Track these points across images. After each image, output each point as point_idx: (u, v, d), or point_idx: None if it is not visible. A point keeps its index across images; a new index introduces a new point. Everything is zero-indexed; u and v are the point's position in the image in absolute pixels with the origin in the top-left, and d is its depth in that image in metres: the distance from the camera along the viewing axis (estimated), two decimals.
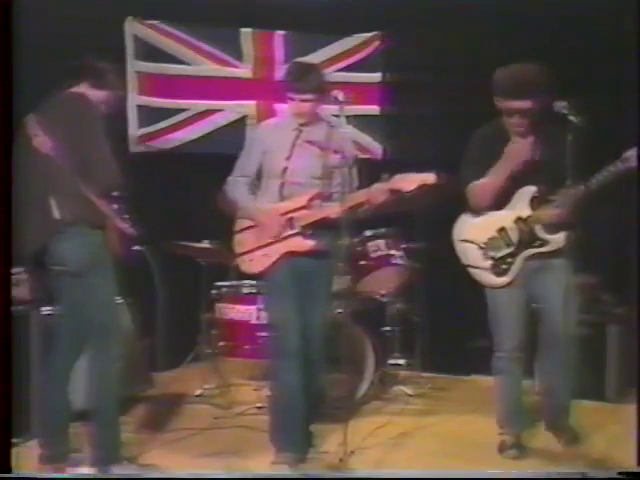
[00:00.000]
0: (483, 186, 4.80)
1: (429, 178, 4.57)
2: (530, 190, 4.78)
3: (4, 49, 4.09)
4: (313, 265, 4.79)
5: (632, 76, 4.93)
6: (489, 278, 4.89)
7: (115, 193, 4.41)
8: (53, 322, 4.87)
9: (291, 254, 4.78)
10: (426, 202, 5.73)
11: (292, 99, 4.77)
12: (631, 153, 4.49)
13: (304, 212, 4.75)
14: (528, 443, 5.06)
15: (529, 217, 4.79)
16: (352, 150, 4.92)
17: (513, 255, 4.84)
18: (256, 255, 4.84)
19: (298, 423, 4.75)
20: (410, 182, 4.57)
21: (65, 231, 4.34)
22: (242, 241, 4.90)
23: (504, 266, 4.85)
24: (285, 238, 4.78)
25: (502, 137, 4.82)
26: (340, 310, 5.79)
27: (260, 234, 4.80)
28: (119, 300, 5.51)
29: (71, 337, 4.55)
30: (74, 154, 4.29)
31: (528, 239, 4.81)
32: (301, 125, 4.80)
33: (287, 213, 4.77)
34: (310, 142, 4.80)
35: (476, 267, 4.91)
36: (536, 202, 4.78)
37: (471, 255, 4.92)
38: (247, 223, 4.88)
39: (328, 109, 4.86)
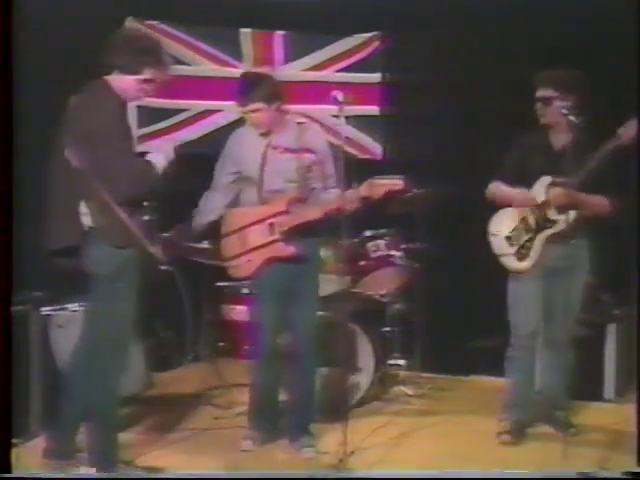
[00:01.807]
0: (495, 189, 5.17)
1: (396, 184, 4.61)
2: (546, 179, 5.03)
3: (4, 49, 4.08)
4: (297, 269, 4.83)
5: (632, 76, 4.94)
6: (514, 263, 5.15)
7: (145, 203, 4.35)
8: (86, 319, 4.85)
9: (273, 260, 4.84)
10: (425, 203, 5.78)
11: (243, 112, 4.85)
12: (623, 130, 4.73)
13: (283, 217, 4.79)
14: (528, 432, 5.20)
15: (543, 202, 5.04)
16: (326, 146, 4.92)
17: (531, 240, 5.10)
18: (241, 260, 4.91)
19: (268, 413, 5.05)
20: (378, 189, 4.61)
21: (97, 238, 4.32)
22: (228, 246, 4.97)
23: (524, 251, 5.12)
24: (266, 244, 4.83)
25: (539, 141, 5.11)
26: (340, 310, 5.80)
27: (243, 239, 4.88)
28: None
29: (94, 338, 4.52)
30: (98, 161, 4.22)
31: (542, 222, 5.07)
32: (263, 134, 4.85)
33: (267, 219, 4.82)
34: (280, 148, 4.85)
35: (502, 255, 5.16)
36: (551, 189, 5.02)
37: (499, 245, 5.17)
38: (231, 227, 4.94)
39: (324, 109, 4.87)
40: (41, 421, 5.00)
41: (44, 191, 4.37)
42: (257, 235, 4.85)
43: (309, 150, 4.83)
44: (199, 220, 5.03)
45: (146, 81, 4.39)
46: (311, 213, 4.76)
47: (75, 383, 4.53)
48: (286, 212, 4.80)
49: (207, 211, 5.00)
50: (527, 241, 5.10)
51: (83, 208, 4.31)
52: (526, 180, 5.09)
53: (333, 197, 4.73)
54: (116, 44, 4.39)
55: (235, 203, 5.00)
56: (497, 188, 5.15)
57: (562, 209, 4.99)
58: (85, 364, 4.51)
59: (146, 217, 4.35)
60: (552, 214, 5.04)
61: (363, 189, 4.63)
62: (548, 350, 5.27)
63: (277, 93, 4.83)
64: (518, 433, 5.18)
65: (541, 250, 5.08)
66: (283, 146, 4.85)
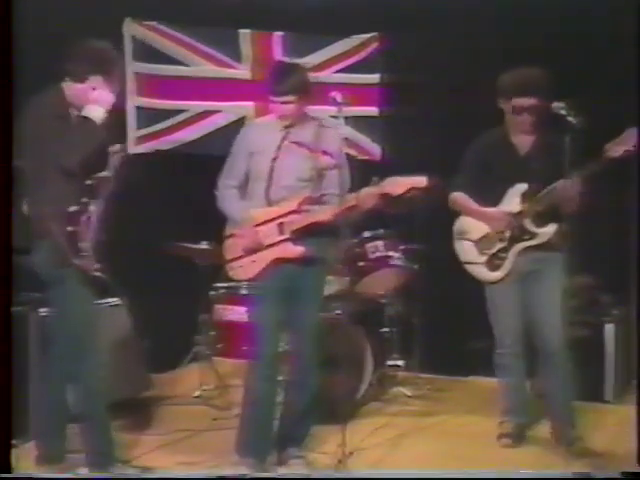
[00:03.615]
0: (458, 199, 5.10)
1: (420, 182, 4.50)
2: (522, 187, 4.91)
3: (4, 49, 4.08)
4: (302, 271, 4.71)
5: (632, 76, 4.94)
6: (484, 273, 5.05)
7: (73, 208, 4.28)
8: (49, 323, 4.89)
9: (280, 260, 4.70)
10: (424, 204, 5.76)
11: (274, 101, 4.67)
12: (609, 145, 4.62)
13: (294, 217, 4.66)
14: (528, 434, 5.18)
15: (519, 212, 4.91)
16: (343, 151, 4.80)
17: (505, 250, 4.97)
18: (245, 261, 4.76)
19: (261, 429, 4.76)
20: (400, 186, 4.50)
21: (36, 237, 4.33)
22: (231, 247, 4.82)
23: (497, 261, 5.00)
24: (274, 244, 4.70)
25: (502, 146, 4.99)
26: (339, 311, 5.80)
27: (241, 245, 4.73)
28: (116, 303, 5.53)
29: (63, 340, 4.53)
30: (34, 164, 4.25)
31: (518, 233, 4.94)
32: (287, 127, 4.70)
33: (277, 218, 4.68)
34: (298, 143, 4.70)
35: (472, 263, 5.07)
36: (527, 198, 4.90)
37: (467, 252, 5.08)
38: (236, 229, 4.81)
39: (324, 110, 4.83)
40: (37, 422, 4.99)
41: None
42: (265, 235, 4.69)
43: (326, 153, 4.68)
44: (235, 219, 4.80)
45: (94, 89, 4.38)
46: (325, 213, 4.62)
47: (51, 385, 4.57)
48: (298, 212, 4.65)
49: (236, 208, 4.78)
50: (500, 251, 4.98)
51: (26, 208, 4.33)
52: (491, 186, 4.96)
53: (349, 196, 4.58)
54: (69, 52, 4.42)
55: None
56: (462, 202, 5.06)
57: (541, 221, 4.88)
58: (54, 367, 4.56)
59: (70, 228, 4.27)
60: (530, 225, 4.92)
61: (384, 186, 4.51)
62: (543, 358, 5.08)
63: (309, 87, 4.70)
64: (518, 436, 5.15)
65: (515, 260, 4.96)
66: (301, 141, 4.70)
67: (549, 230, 4.89)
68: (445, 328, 6.42)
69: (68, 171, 4.24)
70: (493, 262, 5.00)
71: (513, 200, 4.94)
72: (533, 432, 5.27)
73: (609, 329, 5.97)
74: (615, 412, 5.61)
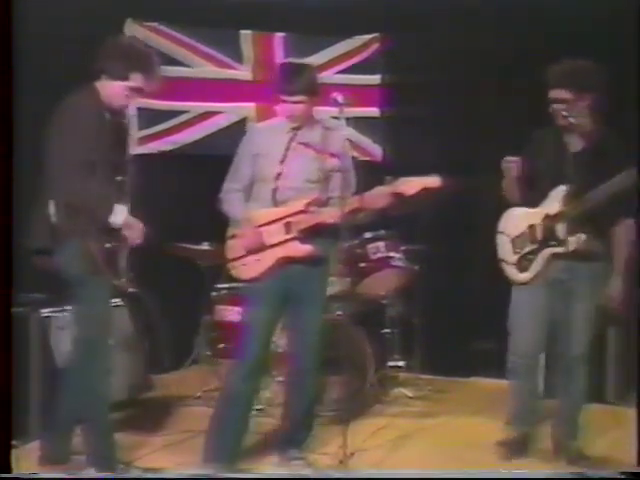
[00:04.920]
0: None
1: (433, 182, 4.47)
2: (563, 188, 4.73)
3: (4, 49, 4.08)
4: (307, 271, 4.67)
5: (632, 76, 4.94)
6: (513, 273, 4.92)
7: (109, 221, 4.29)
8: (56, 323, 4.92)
9: (287, 259, 4.66)
10: (426, 204, 5.75)
11: (284, 101, 4.63)
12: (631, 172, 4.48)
13: (301, 217, 4.62)
14: (532, 442, 5.07)
15: (555, 215, 4.76)
16: (350, 153, 4.81)
17: (535, 252, 4.84)
18: (249, 260, 4.71)
19: (231, 432, 4.70)
20: (413, 186, 4.47)
21: (62, 238, 4.33)
22: (234, 246, 4.78)
23: (525, 262, 4.86)
24: (281, 243, 4.66)
25: (553, 144, 4.81)
26: (340, 312, 5.80)
27: (243, 245, 4.71)
28: (118, 303, 5.53)
29: (78, 341, 4.54)
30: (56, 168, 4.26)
31: (549, 237, 4.79)
32: (295, 128, 4.67)
33: (283, 218, 4.64)
34: (305, 144, 4.68)
35: (505, 261, 4.94)
36: (566, 200, 4.72)
37: (503, 248, 4.96)
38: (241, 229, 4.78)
39: (325, 111, 4.82)
40: (39, 424, 4.99)
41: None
42: (271, 234, 4.64)
43: (333, 155, 4.64)
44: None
45: (133, 88, 4.39)
46: (332, 214, 4.57)
47: (64, 387, 4.58)
48: (305, 212, 4.61)
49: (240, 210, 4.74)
50: (530, 253, 4.83)
51: (52, 208, 4.31)
52: (539, 185, 4.80)
53: (358, 196, 4.55)
54: (107, 50, 4.41)
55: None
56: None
57: (572, 228, 4.68)
58: (69, 368, 4.57)
59: (107, 245, 4.31)
60: (561, 231, 4.73)
61: (397, 186, 4.47)
62: (560, 370, 4.96)
63: (318, 87, 4.65)
64: (520, 445, 5.00)
65: (543, 264, 4.80)
66: (309, 143, 4.66)
67: (577, 239, 4.69)
68: (446, 329, 6.42)
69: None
70: (522, 263, 4.86)
71: (554, 203, 4.75)
72: (535, 442, 5.20)
73: (611, 330, 5.96)
74: (616, 413, 5.60)
